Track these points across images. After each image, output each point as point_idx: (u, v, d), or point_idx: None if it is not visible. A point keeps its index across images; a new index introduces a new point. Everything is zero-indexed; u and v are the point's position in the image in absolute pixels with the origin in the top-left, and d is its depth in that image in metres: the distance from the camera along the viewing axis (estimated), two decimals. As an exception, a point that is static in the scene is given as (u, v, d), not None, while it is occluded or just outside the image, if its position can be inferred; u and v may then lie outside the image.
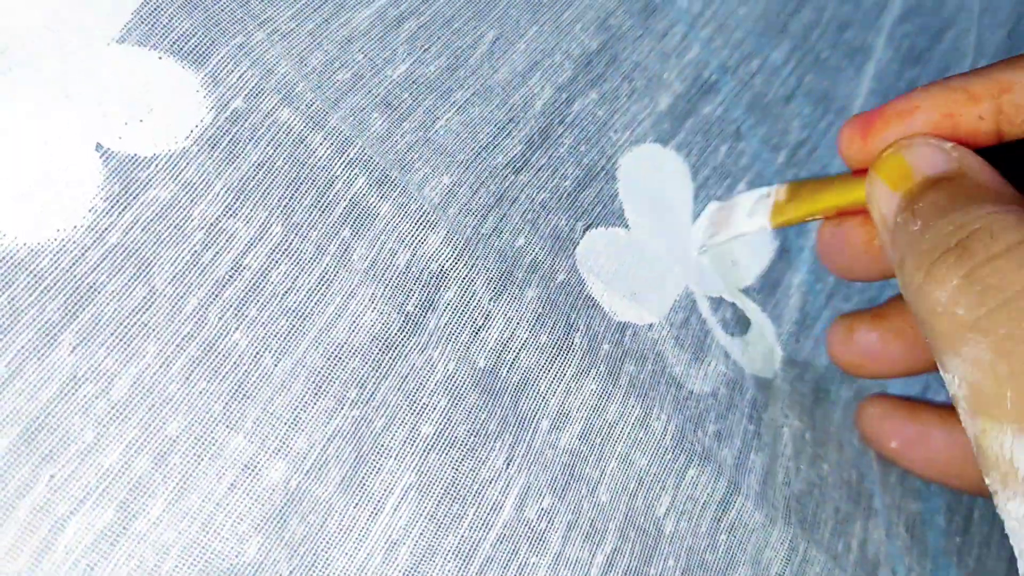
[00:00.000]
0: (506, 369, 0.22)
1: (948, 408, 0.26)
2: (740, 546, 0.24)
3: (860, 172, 0.23)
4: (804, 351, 0.28)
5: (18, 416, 0.17)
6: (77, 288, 0.18)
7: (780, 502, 0.25)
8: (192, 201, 0.20)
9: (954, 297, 0.18)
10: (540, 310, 0.23)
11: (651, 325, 0.25)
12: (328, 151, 0.22)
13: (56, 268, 0.18)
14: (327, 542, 0.19)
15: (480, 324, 0.23)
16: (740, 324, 0.27)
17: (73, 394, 0.18)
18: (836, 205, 0.24)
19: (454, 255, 0.23)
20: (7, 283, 0.17)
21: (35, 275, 0.18)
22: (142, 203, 0.19)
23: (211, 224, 0.20)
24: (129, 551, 0.17)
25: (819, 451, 0.27)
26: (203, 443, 0.19)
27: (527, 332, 0.23)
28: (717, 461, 0.24)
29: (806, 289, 0.29)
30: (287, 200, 0.21)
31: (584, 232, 0.25)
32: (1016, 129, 0.21)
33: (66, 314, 0.18)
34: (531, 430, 0.22)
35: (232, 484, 0.19)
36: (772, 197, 0.25)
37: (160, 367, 0.19)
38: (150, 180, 0.19)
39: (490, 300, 0.23)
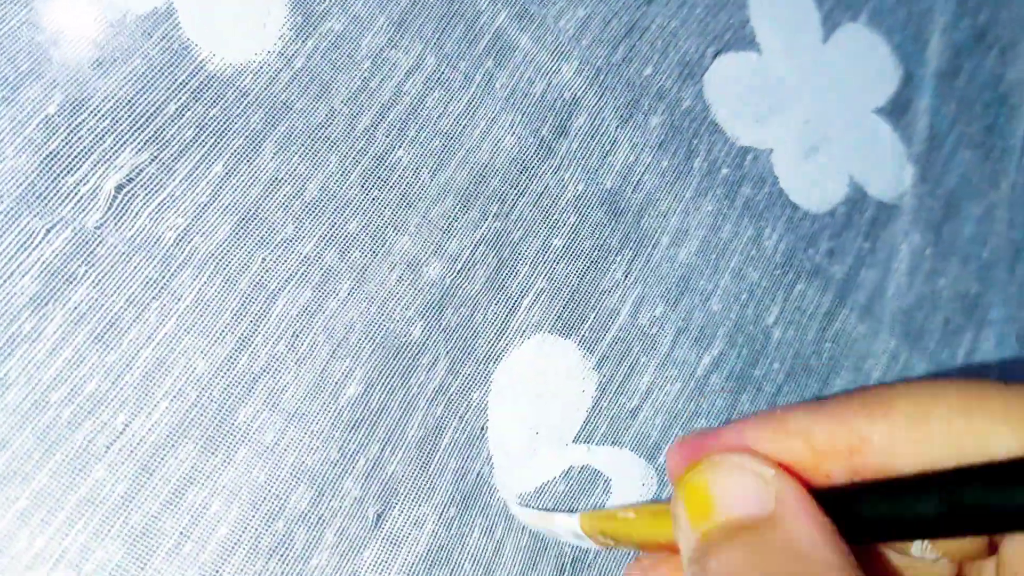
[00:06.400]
0: (631, 190, 0.25)
1: None
2: (843, 354, 0.26)
3: None
4: (935, 168, 0.30)
5: (235, 208, 0.21)
6: (273, 104, 0.21)
7: (886, 316, 0.27)
8: (360, 32, 0.23)
9: None
10: (663, 136, 0.25)
11: (772, 150, 0.27)
12: (474, -13, 0.24)
13: (256, 86, 0.21)
14: (474, 331, 0.23)
15: (608, 149, 0.25)
16: (868, 144, 0.29)
17: (275, 193, 0.21)
18: (653, 541, 0.19)
19: (585, 84, 0.25)
20: (219, 97, 0.21)
21: (241, 91, 0.21)
22: (320, 33, 0.22)
23: (376, 54, 0.23)
24: (324, 324, 0.21)
25: (938, 265, 0.29)
26: (377, 241, 0.22)
27: (650, 157, 0.25)
28: (825, 277, 0.27)
29: (933, 111, 0.30)
30: (439, 33, 0.23)
31: (714, 58, 0.27)
32: (872, 471, 0.16)
33: (267, 125, 0.21)
34: (651, 245, 0.25)
35: (400, 277, 0.22)
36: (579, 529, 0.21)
37: (341, 175, 0.22)
38: (326, 12, 0.22)
39: (617, 127, 0.25)
